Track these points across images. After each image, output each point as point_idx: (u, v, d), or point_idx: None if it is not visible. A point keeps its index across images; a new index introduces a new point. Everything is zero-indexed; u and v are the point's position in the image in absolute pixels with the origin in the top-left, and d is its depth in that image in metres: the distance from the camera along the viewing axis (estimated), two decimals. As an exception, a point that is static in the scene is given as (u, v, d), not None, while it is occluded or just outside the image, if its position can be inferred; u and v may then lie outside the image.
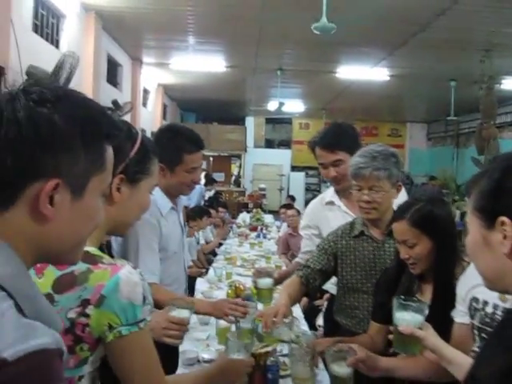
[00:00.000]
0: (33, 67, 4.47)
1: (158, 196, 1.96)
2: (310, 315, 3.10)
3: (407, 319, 1.33)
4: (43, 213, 0.66)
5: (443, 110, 11.81)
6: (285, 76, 9.91)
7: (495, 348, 0.92)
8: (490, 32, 6.81)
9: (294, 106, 13.44)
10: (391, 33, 7.00)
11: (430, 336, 1.31)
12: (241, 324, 1.94)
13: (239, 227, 7.99)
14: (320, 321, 3.03)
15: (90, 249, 1.06)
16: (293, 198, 10.22)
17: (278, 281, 2.34)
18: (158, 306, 1.92)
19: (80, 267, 1.00)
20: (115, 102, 7.82)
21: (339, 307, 2.07)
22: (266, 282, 2.13)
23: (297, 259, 2.58)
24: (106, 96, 7.60)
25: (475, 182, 0.94)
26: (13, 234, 0.66)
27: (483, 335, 1.35)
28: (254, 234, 7.30)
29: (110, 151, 0.77)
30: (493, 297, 1.33)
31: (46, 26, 5.85)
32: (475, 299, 1.39)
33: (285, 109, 11.48)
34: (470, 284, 1.42)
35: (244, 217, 9.73)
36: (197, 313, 2.17)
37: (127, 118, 8.88)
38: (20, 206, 0.66)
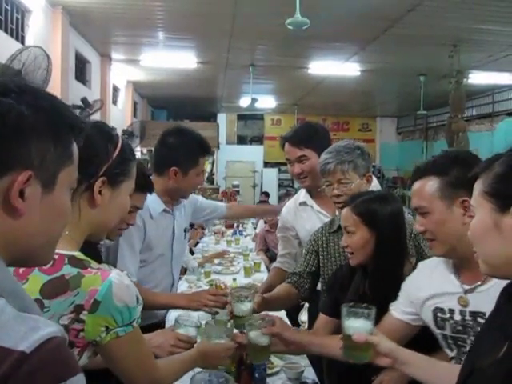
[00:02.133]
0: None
1: (151, 198, 1.94)
2: (292, 312, 3.08)
3: (358, 326, 1.30)
4: (15, 206, 0.64)
5: (413, 105, 12.01)
6: (257, 72, 9.87)
7: (494, 337, 0.92)
8: (458, 28, 6.95)
9: (266, 101, 13.43)
10: (363, 28, 7.05)
11: (383, 340, 1.29)
12: (220, 315, 1.93)
13: (214, 225, 7.94)
14: (303, 317, 3.02)
15: (76, 253, 1.06)
16: (267, 194, 10.25)
17: (264, 303, 1.96)
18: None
19: (70, 271, 1.00)
20: (84, 100, 7.66)
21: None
22: (243, 307, 1.78)
23: (275, 264, 2.57)
24: (74, 93, 7.41)
25: (487, 166, 0.93)
26: None
27: (459, 343, 1.34)
28: (230, 232, 7.28)
29: (75, 145, 0.75)
30: (455, 303, 1.32)
31: (11, 21, 5.64)
32: (440, 309, 1.37)
33: (257, 105, 11.47)
34: (424, 293, 1.41)
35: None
36: (173, 307, 2.15)
37: (97, 115, 8.70)
38: None
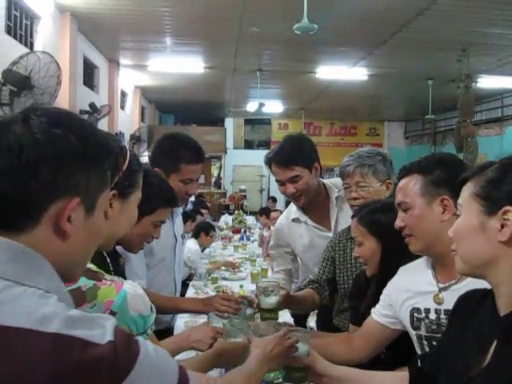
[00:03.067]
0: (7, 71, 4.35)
1: None
2: (299, 317, 3.05)
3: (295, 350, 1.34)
4: (64, 230, 0.71)
5: (421, 109, 11.97)
6: (264, 77, 9.88)
7: (471, 346, 0.95)
8: (466, 32, 6.92)
9: (274, 106, 13.44)
10: (370, 33, 7.04)
11: (318, 361, 1.33)
12: (233, 321, 1.90)
13: (222, 230, 7.94)
14: (311, 322, 2.98)
15: (91, 265, 1.08)
16: (274, 199, 10.22)
17: (288, 299, 1.99)
18: None
19: (86, 283, 1.03)
20: (92, 105, 7.70)
21: (338, 309, 2.06)
22: (270, 300, 1.82)
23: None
24: (82, 99, 7.45)
25: (480, 169, 0.97)
26: (43, 251, 0.70)
27: (434, 343, 1.36)
28: (237, 237, 7.26)
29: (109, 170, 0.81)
30: (431, 302, 1.36)
31: (20, 27, 5.68)
32: (416, 309, 1.40)
33: (264, 109, 11.47)
34: (403, 295, 1.44)
35: (226, 219, 9.68)
36: (187, 311, 2.13)
37: (105, 120, 8.74)
38: (45, 224, 0.70)
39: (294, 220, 2.32)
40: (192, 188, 2.05)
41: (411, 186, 1.36)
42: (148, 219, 1.58)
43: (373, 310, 1.54)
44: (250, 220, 9.07)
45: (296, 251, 2.35)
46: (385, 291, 1.54)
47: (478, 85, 9.63)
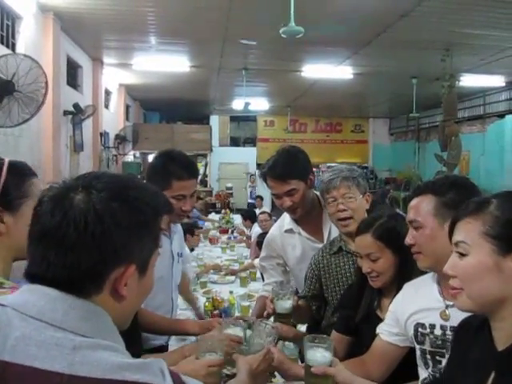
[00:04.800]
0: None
1: None
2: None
3: (318, 359, 1.38)
4: (121, 294, 0.78)
5: (405, 106, 12.07)
6: (250, 75, 9.86)
7: (473, 373, 0.97)
8: (450, 33, 6.99)
9: (259, 103, 13.42)
10: (355, 33, 7.06)
11: (341, 371, 1.38)
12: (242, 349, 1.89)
13: (208, 231, 7.89)
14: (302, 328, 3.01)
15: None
16: (261, 198, 10.24)
17: (297, 307, 1.97)
18: (145, 329, 1.88)
19: None
20: (76, 106, 7.61)
21: (328, 323, 2.07)
22: (286, 304, 1.86)
23: (262, 293, 2.50)
24: (66, 99, 7.35)
25: (480, 206, 0.97)
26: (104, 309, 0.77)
27: (437, 357, 1.39)
28: (224, 237, 7.26)
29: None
30: (437, 318, 1.38)
31: (1, 28, 5.57)
32: (421, 325, 1.42)
33: (250, 107, 11.45)
34: (408, 310, 1.46)
35: (213, 218, 9.66)
36: (183, 333, 2.12)
37: (89, 121, 8.64)
38: (106, 290, 0.76)
39: (286, 231, 2.32)
40: (186, 204, 2.01)
41: (424, 206, 1.38)
42: None
43: (379, 330, 1.55)
44: (238, 219, 9.07)
45: (288, 263, 2.34)
46: (390, 308, 1.55)
47: (461, 83, 9.75)
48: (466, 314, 1.25)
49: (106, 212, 0.74)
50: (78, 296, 0.74)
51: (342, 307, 1.86)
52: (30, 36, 6.13)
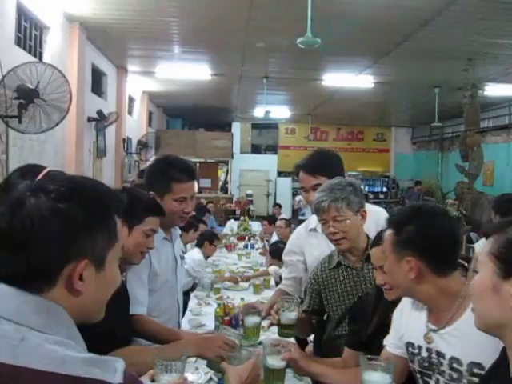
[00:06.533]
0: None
1: None
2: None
3: (377, 380, 1.31)
4: (76, 288, 0.81)
5: (428, 115, 11.94)
6: (271, 83, 9.94)
7: None
8: (471, 42, 6.92)
9: (281, 111, 13.49)
10: (375, 43, 7.07)
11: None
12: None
13: (228, 237, 7.93)
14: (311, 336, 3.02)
15: None
16: (280, 206, 10.26)
17: (301, 318, 2.10)
18: (147, 337, 1.93)
19: None
20: (100, 113, 7.79)
21: (330, 337, 2.09)
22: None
23: (280, 286, 2.57)
24: (90, 106, 7.54)
25: (501, 227, 0.95)
26: (61, 305, 0.81)
27: (425, 378, 1.38)
28: (241, 244, 7.30)
29: (118, 221, 0.89)
30: (422, 340, 1.39)
31: (29, 38, 5.78)
32: (410, 344, 1.43)
33: (271, 115, 11.52)
34: (403, 326, 1.47)
35: (231, 225, 9.69)
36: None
37: (112, 127, 8.84)
38: (59, 285, 0.80)
39: (311, 230, 2.39)
40: (187, 206, 2.10)
41: (386, 244, 1.40)
42: (138, 229, 1.76)
43: (386, 342, 1.54)
44: (256, 226, 9.11)
45: (307, 261, 2.39)
46: (393, 322, 1.54)
47: (486, 92, 9.60)
48: (454, 345, 1.28)
49: (53, 213, 0.78)
50: (30, 292, 0.78)
51: (352, 322, 1.84)
52: (56, 45, 6.33)
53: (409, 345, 1.43)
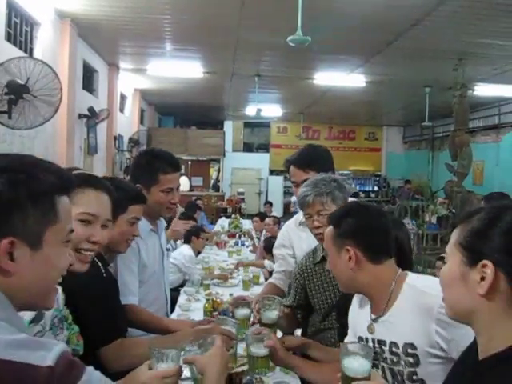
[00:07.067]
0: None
1: None
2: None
3: (355, 367, 1.28)
4: (5, 268, 0.76)
5: (419, 115, 12.04)
6: (262, 82, 9.96)
7: None
8: (461, 42, 6.99)
9: (272, 110, 13.52)
10: (367, 42, 7.11)
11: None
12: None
13: (218, 235, 7.95)
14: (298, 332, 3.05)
15: None
16: (271, 204, 10.29)
17: (285, 316, 2.14)
18: (141, 326, 1.95)
19: None
20: (91, 110, 7.78)
21: (318, 329, 2.10)
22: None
23: (271, 279, 2.58)
24: (81, 103, 7.52)
25: (468, 217, 0.98)
26: None
27: (374, 369, 1.40)
28: (232, 241, 7.32)
29: (63, 201, 0.85)
30: (366, 331, 1.46)
31: (20, 34, 5.75)
32: (360, 338, 1.48)
33: (263, 113, 11.54)
34: (355, 323, 1.54)
35: (222, 223, 9.71)
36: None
37: (104, 124, 8.81)
38: None
39: (301, 223, 2.41)
40: (174, 197, 2.15)
41: (327, 239, 1.51)
42: (122, 218, 1.80)
43: (346, 341, 1.57)
44: (247, 224, 9.12)
45: (296, 254, 2.42)
46: (349, 318, 1.60)
47: (475, 92, 9.70)
48: (391, 330, 1.36)
49: None
50: None
51: (340, 315, 1.85)
52: (47, 41, 6.31)
53: (360, 340, 1.49)
